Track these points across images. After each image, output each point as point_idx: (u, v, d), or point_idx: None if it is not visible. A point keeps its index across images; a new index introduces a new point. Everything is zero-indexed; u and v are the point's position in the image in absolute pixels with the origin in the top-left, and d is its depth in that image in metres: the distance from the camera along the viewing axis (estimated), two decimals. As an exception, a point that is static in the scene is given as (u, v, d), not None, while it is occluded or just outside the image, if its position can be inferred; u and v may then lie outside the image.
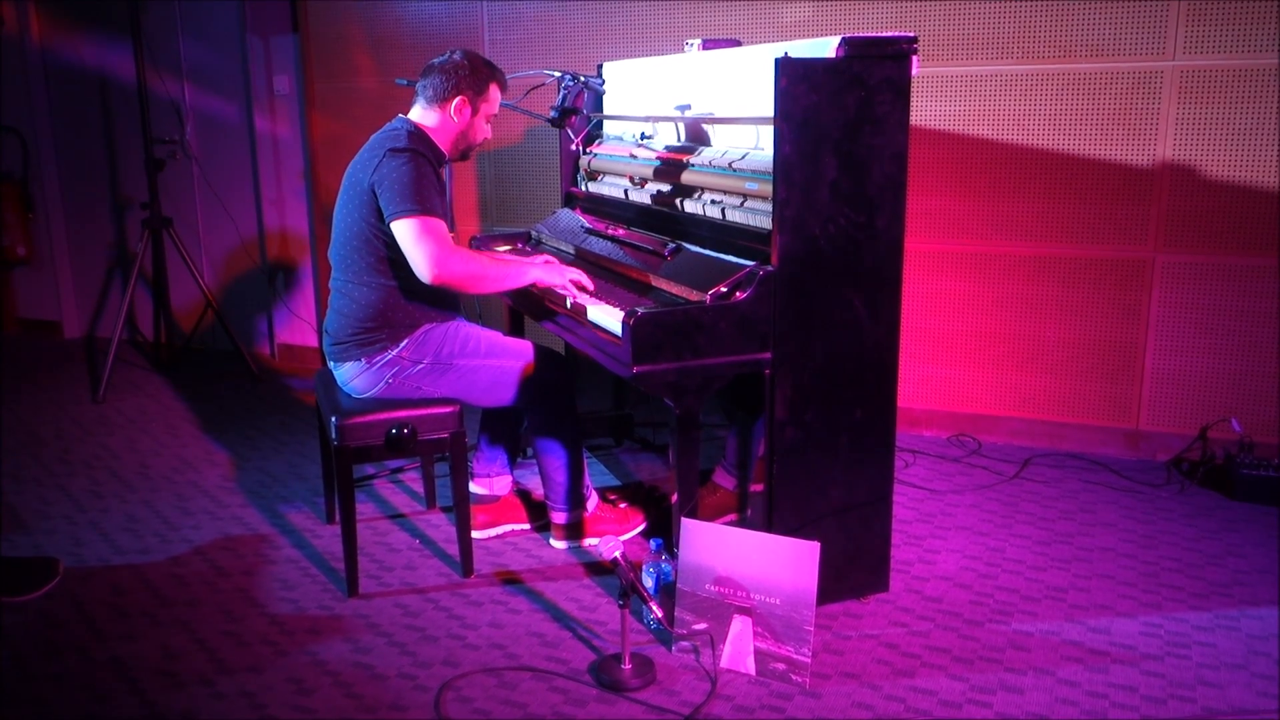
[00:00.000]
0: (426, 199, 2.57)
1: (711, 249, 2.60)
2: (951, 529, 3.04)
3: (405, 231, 2.56)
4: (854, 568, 2.58)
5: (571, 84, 3.24)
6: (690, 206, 2.80)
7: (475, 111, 2.75)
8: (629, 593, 2.21)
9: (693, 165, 2.83)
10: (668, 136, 3.12)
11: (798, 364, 2.40)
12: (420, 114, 2.76)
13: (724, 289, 2.37)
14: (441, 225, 2.60)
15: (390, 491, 3.41)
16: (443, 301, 2.77)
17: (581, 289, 2.74)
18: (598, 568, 2.80)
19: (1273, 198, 3.27)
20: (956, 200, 3.65)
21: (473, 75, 2.72)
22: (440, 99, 2.72)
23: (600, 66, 3.44)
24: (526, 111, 3.33)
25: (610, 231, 3.06)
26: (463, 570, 2.78)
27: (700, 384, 2.35)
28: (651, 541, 2.56)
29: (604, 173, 3.36)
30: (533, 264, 2.79)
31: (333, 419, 2.62)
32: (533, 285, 2.77)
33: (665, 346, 2.29)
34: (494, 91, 2.79)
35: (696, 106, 2.91)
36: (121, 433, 4.07)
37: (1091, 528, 3.04)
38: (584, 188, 3.46)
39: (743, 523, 2.93)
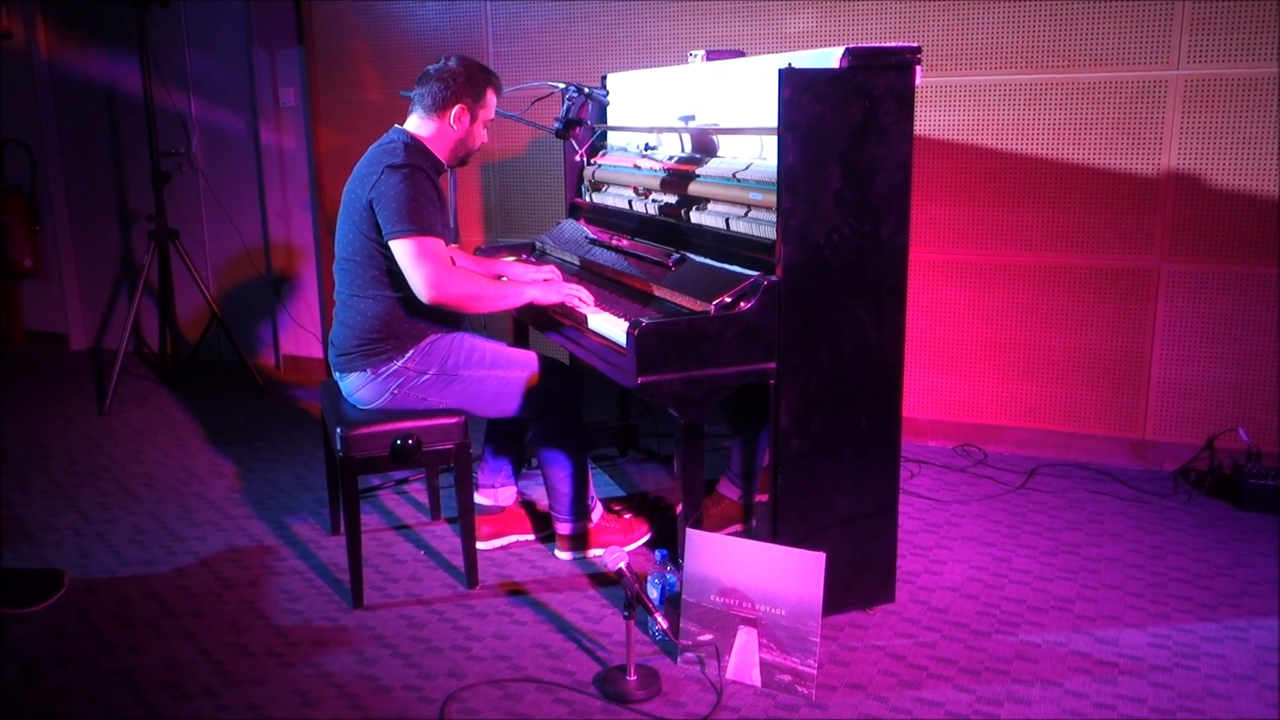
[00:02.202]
0: (424, 218, 2.57)
1: (716, 259, 2.61)
2: (957, 539, 3.03)
3: (403, 252, 2.57)
4: (860, 578, 2.57)
5: (576, 95, 3.25)
6: (694, 217, 2.80)
7: (474, 118, 2.76)
8: (634, 604, 2.20)
9: (697, 176, 2.83)
10: (672, 147, 3.12)
11: (802, 374, 2.40)
12: (417, 124, 2.75)
13: (728, 299, 2.37)
14: (439, 245, 2.60)
15: (395, 503, 3.41)
16: (447, 313, 2.77)
17: (581, 303, 2.75)
18: (602, 579, 2.79)
19: (1278, 206, 3.27)
20: (961, 209, 3.65)
21: (470, 82, 2.72)
22: (439, 108, 2.71)
23: (604, 78, 3.45)
24: (531, 123, 3.34)
25: (614, 242, 3.06)
26: (467, 581, 2.78)
27: (705, 394, 2.35)
28: (656, 552, 2.55)
29: (608, 183, 3.37)
30: (531, 284, 2.79)
31: (338, 430, 2.62)
32: (530, 305, 2.77)
33: (670, 357, 2.29)
34: (491, 97, 2.79)
35: (700, 117, 2.92)
36: (127, 444, 4.08)
37: (1098, 538, 3.03)
38: (588, 198, 3.47)
39: (748, 533, 2.92)
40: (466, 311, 2.71)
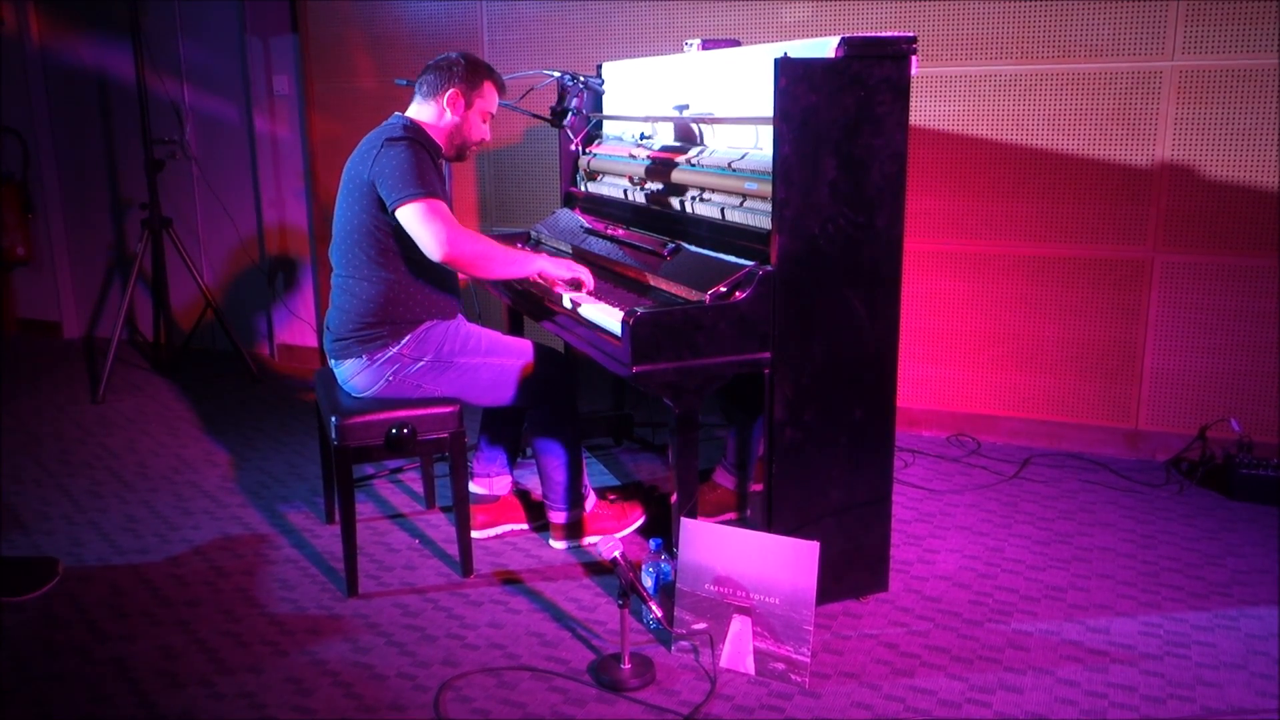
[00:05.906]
0: (428, 182, 2.58)
1: (711, 249, 2.61)
2: (951, 529, 3.04)
3: (411, 215, 2.57)
4: (853, 567, 2.58)
5: (571, 84, 3.24)
6: (689, 206, 2.80)
7: (469, 105, 2.77)
8: (628, 592, 2.21)
9: (692, 165, 2.83)
10: (667, 136, 3.12)
11: (797, 364, 2.40)
12: (416, 110, 2.79)
13: (723, 289, 2.37)
14: (445, 206, 2.62)
15: (390, 491, 3.41)
16: (445, 295, 2.77)
17: (582, 284, 2.74)
18: (597, 567, 2.80)
19: (1272, 198, 3.27)
20: (955, 200, 3.65)
21: (468, 70, 2.76)
22: (435, 92, 2.75)
23: (599, 66, 3.44)
24: (526, 111, 3.34)
25: (609, 231, 3.06)
26: (462, 570, 2.78)
27: (699, 384, 2.35)
28: (651, 541, 2.56)
29: (603, 173, 3.36)
30: (540, 256, 2.79)
31: (332, 418, 2.62)
32: (539, 274, 2.76)
33: (664, 346, 2.29)
34: (489, 88, 2.80)
35: (695, 106, 2.91)
36: (121, 433, 4.07)
37: (1090, 528, 3.04)
38: (583, 188, 3.46)
39: (742, 522, 2.93)
40: (476, 273, 2.70)
